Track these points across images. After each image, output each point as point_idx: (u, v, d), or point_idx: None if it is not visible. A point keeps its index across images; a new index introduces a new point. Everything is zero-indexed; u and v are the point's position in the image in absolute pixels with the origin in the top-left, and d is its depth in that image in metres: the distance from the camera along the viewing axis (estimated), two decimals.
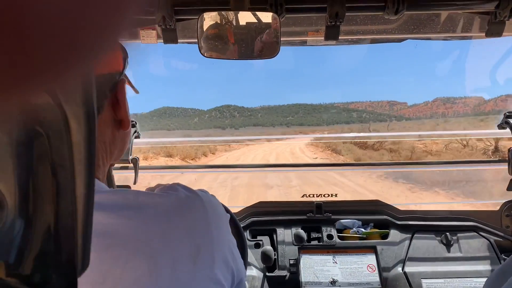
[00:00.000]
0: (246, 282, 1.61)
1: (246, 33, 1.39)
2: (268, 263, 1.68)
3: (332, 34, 1.40)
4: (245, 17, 1.39)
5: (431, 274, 1.67)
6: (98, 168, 0.74)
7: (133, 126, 1.75)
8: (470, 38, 1.58)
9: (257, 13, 1.35)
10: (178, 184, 0.73)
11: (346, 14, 1.33)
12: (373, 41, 1.61)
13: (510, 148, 1.74)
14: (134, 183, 1.74)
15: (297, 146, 27.39)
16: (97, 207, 0.61)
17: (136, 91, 0.90)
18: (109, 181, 1.75)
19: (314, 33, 1.55)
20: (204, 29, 1.35)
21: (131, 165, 1.72)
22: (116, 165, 1.77)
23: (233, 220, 1.36)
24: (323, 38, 1.42)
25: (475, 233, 1.82)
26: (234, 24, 1.39)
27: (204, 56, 1.38)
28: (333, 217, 1.87)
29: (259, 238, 1.83)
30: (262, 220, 1.88)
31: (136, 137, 1.75)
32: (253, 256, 1.74)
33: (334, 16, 1.33)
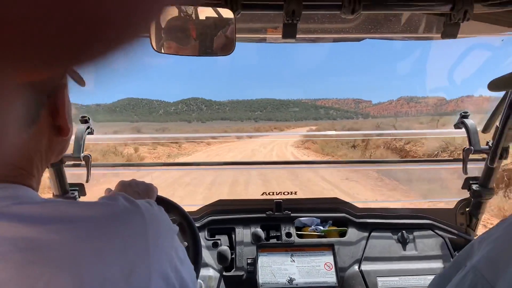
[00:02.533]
0: (202, 282, 1.58)
1: (201, 29, 1.35)
2: (225, 263, 1.66)
3: (289, 32, 1.38)
4: (200, 13, 1.35)
5: (387, 272, 1.69)
6: (31, 177, 0.69)
7: (86, 121, 1.68)
8: (426, 39, 1.59)
9: (212, 8, 1.31)
10: (120, 194, 0.69)
11: (303, 12, 1.32)
12: (332, 40, 1.60)
13: (464, 148, 1.77)
14: (87, 181, 1.68)
15: (279, 144, 27.01)
16: (23, 219, 0.56)
17: (82, 84, 0.84)
18: (60, 180, 1.68)
19: (273, 30, 1.53)
20: (159, 24, 1.30)
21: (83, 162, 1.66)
22: (67, 163, 1.70)
23: (191, 228, 1.33)
24: (281, 36, 1.40)
25: (431, 231, 1.85)
26: (190, 19, 1.36)
27: (159, 51, 1.33)
28: (292, 215, 1.87)
29: (217, 237, 1.80)
30: (220, 218, 1.86)
31: (89, 133, 1.69)
32: (210, 255, 1.72)
33: (290, 14, 1.31)
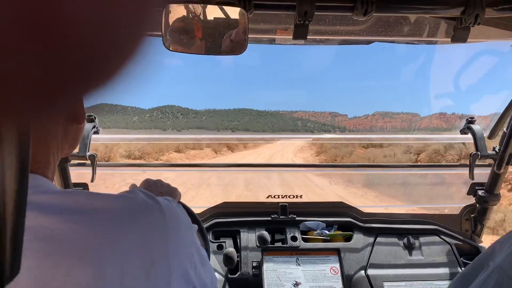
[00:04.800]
0: None
1: (213, 28, 1.35)
2: (230, 265, 1.64)
3: (300, 33, 1.38)
4: (212, 12, 1.35)
5: (393, 277, 1.67)
6: (48, 165, 0.67)
7: (92, 120, 1.67)
8: (435, 43, 1.60)
9: (225, 7, 1.31)
10: (138, 188, 0.68)
11: (315, 13, 1.31)
12: (342, 42, 1.60)
13: (471, 153, 1.77)
14: (92, 180, 1.66)
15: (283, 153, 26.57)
16: (42, 209, 0.55)
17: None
18: (65, 179, 1.66)
19: (283, 31, 1.53)
20: (170, 22, 1.30)
21: (89, 161, 1.64)
22: (72, 162, 1.68)
23: (201, 231, 1.31)
24: (291, 37, 1.40)
25: (436, 237, 1.84)
26: (202, 18, 1.35)
27: (169, 49, 1.33)
28: (297, 218, 1.85)
29: (222, 239, 1.79)
30: (225, 221, 1.84)
31: (95, 133, 1.67)
32: (215, 258, 1.70)
33: (303, 15, 1.31)
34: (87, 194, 0.63)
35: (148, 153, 18.99)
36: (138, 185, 1.12)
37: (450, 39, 1.42)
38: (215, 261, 1.69)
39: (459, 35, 1.39)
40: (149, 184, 1.10)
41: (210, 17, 1.35)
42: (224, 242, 1.77)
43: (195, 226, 0.73)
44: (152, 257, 0.58)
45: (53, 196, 0.59)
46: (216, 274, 1.64)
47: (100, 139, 1.77)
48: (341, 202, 1.94)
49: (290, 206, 1.87)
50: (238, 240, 1.78)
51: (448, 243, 1.81)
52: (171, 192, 1.12)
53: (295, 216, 1.85)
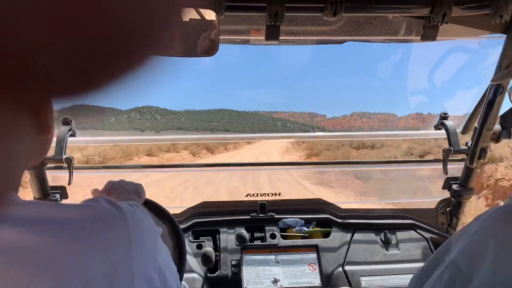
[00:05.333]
0: (186, 284, 1.57)
1: (184, 30, 1.35)
2: (209, 264, 1.66)
3: (272, 34, 1.40)
4: (183, 13, 1.35)
5: (370, 272, 1.71)
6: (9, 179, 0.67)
7: (67, 123, 1.66)
8: (407, 41, 1.62)
9: (195, 9, 1.32)
10: (102, 196, 0.69)
11: (286, 14, 1.33)
12: (314, 43, 1.62)
13: (444, 148, 1.81)
14: (69, 183, 1.66)
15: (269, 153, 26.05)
16: (4, 221, 0.56)
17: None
18: (42, 182, 1.66)
19: (256, 32, 1.54)
20: None
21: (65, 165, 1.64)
22: (49, 165, 1.68)
23: (176, 231, 1.32)
24: (264, 37, 1.41)
25: (413, 231, 1.88)
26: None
27: None
28: (276, 216, 1.88)
29: (201, 239, 1.80)
30: (205, 221, 1.85)
31: (71, 135, 1.67)
32: (194, 258, 1.71)
33: (273, 16, 1.33)
34: (48, 205, 0.63)
35: (111, 158, 17.48)
36: (100, 188, 1.12)
37: (420, 38, 1.45)
38: (194, 261, 1.70)
39: (428, 33, 1.42)
40: (112, 186, 1.10)
41: (181, 19, 1.35)
42: (203, 241, 1.78)
43: (159, 230, 0.74)
44: (115, 265, 0.59)
45: (13, 207, 0.59)
46: (195, 274, 1.66)
47: (77, 142, 1.76)
48: (319, 199, 1.97)
49: (269, 204, 1.89)
50: (218, 240, 1.79)
51: (424, 237, 1.85)
52: (136, 189, 1.12)
53: (274, 214, 1.88)
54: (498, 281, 0.63)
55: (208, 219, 1.86)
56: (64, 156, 1.62)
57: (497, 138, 1.70)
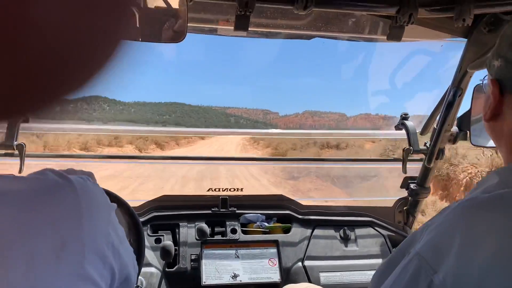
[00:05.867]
0: (143, 279, 1.52)
1: (151, 14, 1.30)
2: (168, 258, 1.61)
3: (242, 25, 1.37)
4: None
5: (329, 268, 1.72)
6: None
7: None
8: (373, 40, 1.65)
9: None
10: (49, 169, 0.64)
11: (257, 5, 1.31)
12: (283, 36, 1.61)
13: (404, 148, 1.85)
14: (20, 172, 1.56)
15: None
16: None
17: None
18: None
19: (225, 22, 1.51)
20: None
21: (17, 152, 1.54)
22: None
23: (130, 214, 1.27)
24: (233, 28, 1.39)
25: (371, 228, 1.91)
26: (140, 4, 1.30)
27: None
28: (237, 211, 1.86)
29: (160, 233, 1.75)
30: (164, 214, 1.80)
31: (24, 121, 1.57)
32: (152, 252, 1.66)
33: (244, 5, 1.30)
34: None
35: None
36: None
37: (386, 37, 1.47)
38: (153, 255, 1.65)
39: (394, 33, 1.44)
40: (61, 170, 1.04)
41: (149, 4, 1.31)
42: (162, 235, 1.73)
43: (114, 205, 0.70)
44: (64, 237, 0.54)
45: None
46: (153, 268, 1.61)
47: (31, 128, 1.67)
48: (281, 195, 1.97)
49: (230, 199, 1.87)
50: (177, 234, 1.75)
51: (382, 234, 1.88)
52: (89, 174, 1.06)
53: (235, 209, 1.85)
54: (463, 273, 0.64)
55: (167, 212, 1.81)
56: (15, 143, 1.52)
57: (454, 139, 1.76)
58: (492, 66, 0.81)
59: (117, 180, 8.81)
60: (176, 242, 1.72)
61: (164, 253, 1.60)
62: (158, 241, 1.71)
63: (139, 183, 9.24)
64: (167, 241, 1.68)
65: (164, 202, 1.84)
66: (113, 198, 1.25)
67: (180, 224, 1.77)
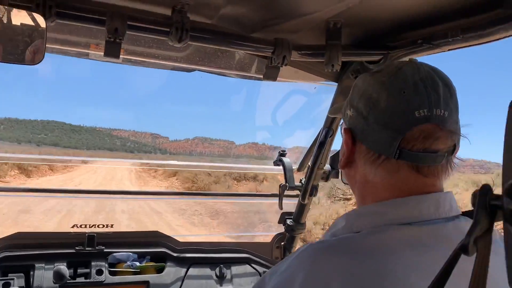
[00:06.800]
0: None
1: (7, 33, 1.17)
2: None
3: (112, 51, 1.28)
4: (10, 15, 1.17)
5: None
6: None
7: None
8: (250, 78, 1.67)
9: (23, 12, 1.15)
10: None
11: (128, 32, 1.24)
12: (160, 67, 1.56)
13: (281, 184, 1.88)
14: None
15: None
16: None
17: None
18: None
19: (95, 46, 1.42)
20: None
21: None
22: None
23: None
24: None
25: (248, 265, 1.89)
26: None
27: None
28: (106, 250, 1.70)
29: (10, 276, 1.53)
30: (17, 254, 1.59)
31: None
32: None
33: (113, 32, 1.22)
34: None
35: None
36: None
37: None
38: None
39: (269, 73, 1.47)
40: None
41: (9, 21, 1.17)
42: (13, 279, 1.51)
43: None
44: None
45: None
46: None
47: None
48: (156, 232, 1.86)
49: (99, 237, 1.71)
50: (31, 277, 1.54)
51: (258, 272, 1.87)
52: None
53: (103, 247, 1.70)
54: None
55: (21, 252, 1.60)
56: None
57: (326, 177, 1.84)
58: (346, 115, 0.84)
59: None
60: (29, 286, 1.52)
61: None
62: (6, 285, 1.49)
63: None
64: (17, 285, 1.48)
65: (18, 240, 1.63)
66: None
67: (36, 265, 1.57)
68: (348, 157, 0.82)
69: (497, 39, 1.12)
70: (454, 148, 0.73)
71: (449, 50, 1.27)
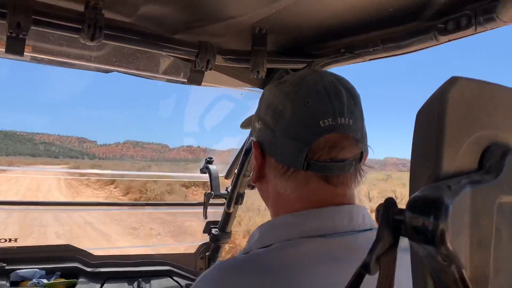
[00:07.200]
0: None
1: None
2: None
3: (14, 48, 1.16)
4: None
5: None
6: None
7: None
8: (174, 82, 1.60)
9: None
10: None
11: (33, 27, 1.12)
12: (74, 67, 1.44)
13: (206, 192, 1.82)
14: None
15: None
16: None
17: None
18: None
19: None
20: None
21: None
22: None
23: None
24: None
25: (169, 278, 1.80)
26: None
27: None
28: (8, 267, 1.54)
29: None
30: None
31: None
32: None
33: (15, 26, 1.10)
34: None
35: None
36: None
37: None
38: None
39: (194, 77, 1.41)
40: None
41: None
42: None
43: None
44: None
45: None
46: None
47: None
48: (68, 245, 1.72)
49: (0, 253, 1.54)
50: None
51: (180, 285, 1.79)
52: None
53: (4, 264, 1.53)
54: None
55: None
56: None
57: (252, 186, 1.80)
58: (255, 127, 0.80)
59: None
60: None
61: None
62: None
63: None
64: None
65: None
66: None
67: None
68: (259, 171, 0.79)
69: (415, 50, 1.15)
70: (361, 156, 0.72)
71: (370, 59, 1.29)
